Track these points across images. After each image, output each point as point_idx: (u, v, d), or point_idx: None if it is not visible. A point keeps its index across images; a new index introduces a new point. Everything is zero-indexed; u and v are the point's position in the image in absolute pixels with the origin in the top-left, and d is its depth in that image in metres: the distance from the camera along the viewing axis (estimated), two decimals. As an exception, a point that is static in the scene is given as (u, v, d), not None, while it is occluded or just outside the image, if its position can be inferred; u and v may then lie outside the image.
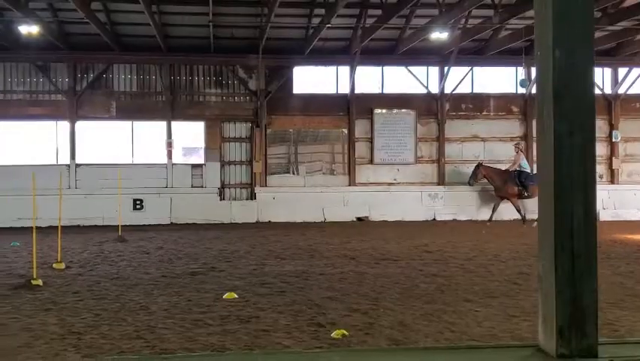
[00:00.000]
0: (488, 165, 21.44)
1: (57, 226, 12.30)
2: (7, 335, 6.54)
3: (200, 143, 22.52)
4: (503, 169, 21.10)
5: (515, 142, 21.79)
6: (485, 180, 21.20)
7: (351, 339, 6.42)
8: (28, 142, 21.54)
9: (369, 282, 9.77)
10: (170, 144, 21.91)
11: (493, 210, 20.91)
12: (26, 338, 6.39)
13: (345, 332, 6.58)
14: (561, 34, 1.95)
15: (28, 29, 18.05)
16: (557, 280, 2.01)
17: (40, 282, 9.34)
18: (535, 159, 21.61)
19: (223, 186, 22.14)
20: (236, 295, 8.52)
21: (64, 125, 21.61)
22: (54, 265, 11.15)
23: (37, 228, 10.30)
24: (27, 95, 21.62)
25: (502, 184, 20.64)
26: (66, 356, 5.79)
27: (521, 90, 22.62)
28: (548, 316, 2.03)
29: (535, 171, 20.46)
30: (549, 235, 2.03)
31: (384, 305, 8.04)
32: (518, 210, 20.70)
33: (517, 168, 20.52)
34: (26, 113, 21.46)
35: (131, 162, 21.73)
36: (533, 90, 22.49)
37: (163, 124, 21.96)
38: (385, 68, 22.91)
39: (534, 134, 22.83)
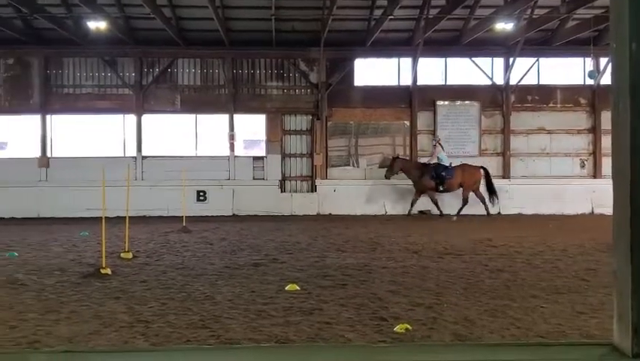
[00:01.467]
0: (405, 157, 21.25)
1: (124, 217, 12.61)
2: (79, 322, 6.73)
3: (262, 135, 22.71)
4: (421, 162, 20.79)
5: (434, 135, 21.40)
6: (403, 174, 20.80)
7: (415, 333, 6.33)
8: (96, 135, 22.17)
9: (432, 276, 9.63)
10: (232, 137, 22.19)
11: (412, 205, 20.68)
12: (97, 326, 6.56)
13: (408, 326, 6.49)
14: (638, 27, 1.84)
15: (97, 25, 18.55)
16: (633, 276, 1.90)
17: (109, 271, 9.59)
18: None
19: (284, 179, 22.29)
20: (298, 287, 8.53)
21: (131, 118, 22.17)
22: (122, 255, 11.42)
23: (105, 218, 10.58)
24: (95, 90, 22.26)
25: (419, 178, 20.21)
26: (135, 344, 5.91)
27: (589, 82, 21.88)
28: (624, 314, 1.93)
29: (453, 165, 20.41)
30: (625, 231, 1.92)
31: (448, 300, 7.90)
32: (436, 204, 20.44)
33: (435, 161, 20.11)
34: (95, 106, 22.11)
35: (194, 155, 22.13)
36: (602, 82, 21.79)
37: (225, 117, 22.26)
38: (448, 59, 22.60)
39: (603, 126, 22.17)
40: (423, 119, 22.47)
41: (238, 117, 22.38)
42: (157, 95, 22.29)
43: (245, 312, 7.20)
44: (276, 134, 22.40)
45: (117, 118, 22.30)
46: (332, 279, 9.31)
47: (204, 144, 22.52)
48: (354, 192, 21.74)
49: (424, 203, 21.78)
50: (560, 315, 7.16)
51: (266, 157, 22.39)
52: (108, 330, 6.39)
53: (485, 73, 22.64)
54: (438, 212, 20.29)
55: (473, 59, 22.49)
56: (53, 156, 22.07)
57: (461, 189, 20.28)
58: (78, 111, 22.12)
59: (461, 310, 7.33)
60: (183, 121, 22.40)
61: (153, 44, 21.76)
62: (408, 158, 21.36)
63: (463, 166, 20.67)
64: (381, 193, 21.70)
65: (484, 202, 20.42)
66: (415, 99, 22.25)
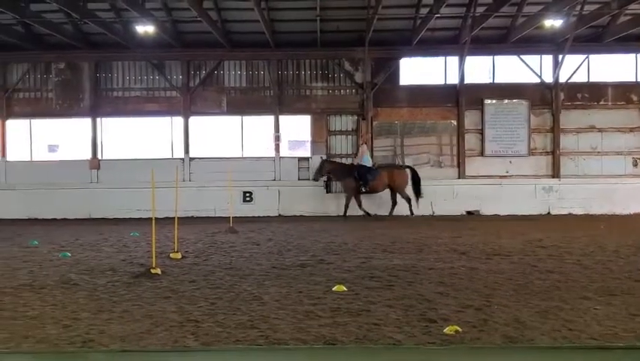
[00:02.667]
0: (333, 159, 21.00)
1: (172, 217, 12.79)
2: (131, 321, 6.84)
3: (307, 136, 22.76)
4: (347, 164, 20.66)
5: (362, 136, 20.98)
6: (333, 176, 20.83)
7: (465, 336, 6.24)
8: (145, 137, 22.57)
9: (481, 278, 9.48)
10: (277, 138, 22.31)
11: (346, 207, 20.42)
12: (148, 325, 6.66)
13: (458, 328, 6.40)
14: None
15: (145, 29, 18.88)
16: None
17: (159, 271, 9.73)
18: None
19: (329, 179, 22.28)
20: (345, 288, 8.51)
21: (178, 120, 22.51)
22: (171, 255, 11.58)
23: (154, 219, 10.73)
24: (144, 92, 22.67)
25: (343, 179, 20.03)
26: (185, 343, 5.98)
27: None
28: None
29: (376, 166, 20.06)
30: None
31: (498, 301, 7.77)
32: (346, 207, 20.20)
33: (359, 163, 19.83)
34: (143, 109, 22.53)
35: (240, 156, 22.33)
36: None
37: (271, 118, 22.40)
38: (496, 57, 22.30)
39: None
40: (470, 118, 22.22)
41: (283, 118, 22.49)
42: (204, 97, 22.57)
43: (293, 313, 7.22)
44: (321, 135, 22.43)
45: (165, 120, 22.66)
46: (379, 280, 9.25)
47: (250, 145, 22.69)
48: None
49: (471, 203, 21.57)
50: (614, 317, 6.98)
51: (311, 158, 22.43)
52: (159, 329, 6.48)
53: (534, 71, 22.25)
54: (343, 214, 20.26)
55: (521, 56, 22.12)
56: (104, 158, 22.56)
57: (394, 190, 20.36)
58: (127, 114, 22.56)
59: (511, 312, 7.21)
60: (229, 122, 22.63)
61: (200, 47, 22.04)
62: (336, 160, 21.20)
63: (389, 167, 20.68)
64: (428, 193, 21.50)
65: (409, 202, 20.30)
66: (462, 98, 22.02)
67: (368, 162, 20.06)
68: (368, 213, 20.22)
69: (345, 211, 20.34)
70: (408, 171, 20.52)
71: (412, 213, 20.33)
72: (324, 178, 20.95)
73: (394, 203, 20.38)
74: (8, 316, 7.14)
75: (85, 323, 6.78)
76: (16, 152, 22.77)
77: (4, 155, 22.66)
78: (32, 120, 22.76)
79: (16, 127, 22.82)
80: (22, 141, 22.82)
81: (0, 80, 22.66)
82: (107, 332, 6.39)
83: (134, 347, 5.80)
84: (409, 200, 20.33)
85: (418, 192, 20.37)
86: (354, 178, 19.87)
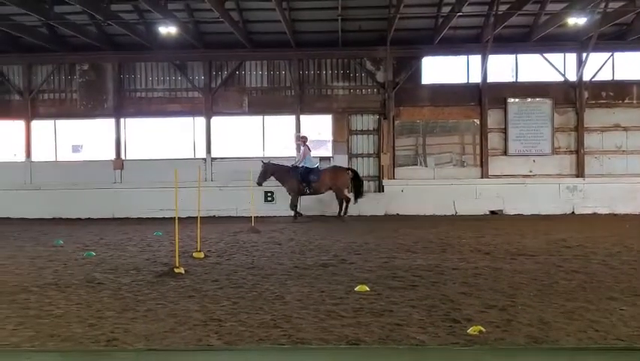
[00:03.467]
0: (276, 162, 20.26)
1: (195, 217, 12.85)
2: (155, 320, 6.88)
3: (328, 136, 22.76)
4: (290, 166, 19.95)
5: (302, 136, 20.26)
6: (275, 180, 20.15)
7: (489, 336, 6.17)
8: (168, 137, 22.73)
9: (505, 278, 9.40)
10: (298, 138, 22.30)
11: (294, 209, 19.87)
12: (172, 324, 6.69)
13: (482, 328, 6.35)
14: None
15: (167, 30, 19.01)
16: None
17: (182, 270, 9.78)
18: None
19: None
20: (367, 288, 8.47)
21: (200, 120, 22.64)
22: (194, 254, 11.64)
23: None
24: (166, 93, 22.84)
25: (287, 181, 19.62)
26: (208, 342, 6.00)
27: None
28: None
29: (320, 167, 19.51)
30: None
31: (523, 302, 7.69)
32: (294, 208, 19.78)
33: (302, 164, 19.30)
34: (166, 109, 22.70)
35: (262, 156, 22.35)
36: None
37: (292, 118, 22.45)
38: (519, 55, 22.14)
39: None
40: (493, 117, 22.07)
41: (304, 118, 22.51)
42: (225, 97, 22.68)
43: (315, 312, 7.20)
44: (342, 135, 22.42)
45: (187, 121, 22.80)
46: (402, 280, 9.21)
47: (271, 145, 22.74)
48: (423, 191, 21.53)
49: (494, 203, 21.41)
50: (641, 318, 6.88)
51: (332, 157, 22.42)
52: (183, 328, 6.51)
53: (557, 69, 22.03)
54: (293, 215, 19.77)
55: (544, 55, 21.93)
56: (127, 158, 22.75)
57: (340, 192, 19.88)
58: (150, 114, 22.75)
59: (536, 313, 7.13)
60: (251, 122, 22.71)
61: (221, 47, 22.15)
62: (278, 163, 20.31)
63: (332, 168, 20.27)
64: (451, 193, 21.40)
65: (347, 204, 19.85)
66: (484, 97, 21.88)
67: (311, 163, 19.60)
68: (298, 214, 19.79)
69: (295, 214, 19.83)
70: (349, 172, 20.02)
71: (343, 214, 19.74)
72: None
73: (346, 201, 19.90)
74: (34, 314, 7.22)
75: (109, 321, 6.83)
76: (41, 152, 23.06)
77: (29, 155, 22.96)
78: (57, 121, 23.05)
79: (41, 128, 23.11)
80: (47, 141, 23.11)
81: (25, 82, 22.96)
82: (131, 330, 6.42)
83: (158, 346, 5.83)
84: (347, 201, 19.85)
85: (358, 194, 19.87)
86: (297, 180, 19.44)
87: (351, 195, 20.05)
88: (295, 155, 22.31)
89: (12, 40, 21.76)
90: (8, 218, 21.37)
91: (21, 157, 23.22)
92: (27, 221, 20.58)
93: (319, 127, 23.16)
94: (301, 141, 20.03)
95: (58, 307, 7.56)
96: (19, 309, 7.48)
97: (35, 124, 23.09)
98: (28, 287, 8.87)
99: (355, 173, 20.17)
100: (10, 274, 10.04)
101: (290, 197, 19.91)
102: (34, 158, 23.01)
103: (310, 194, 19.78)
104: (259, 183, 19.77)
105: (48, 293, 8.44)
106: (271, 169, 19.81)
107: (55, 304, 7.77)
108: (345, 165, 21.25)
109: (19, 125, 23.12)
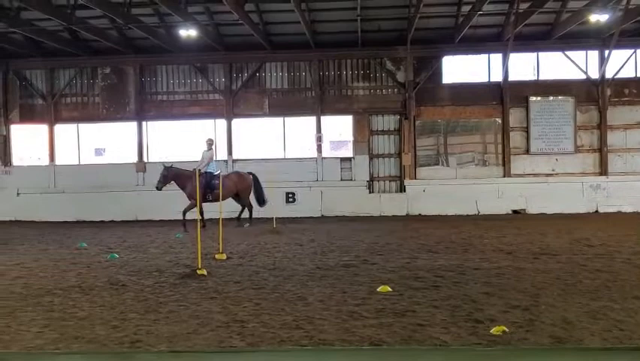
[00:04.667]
0: (178, 166, 18.62)
1: (216, 218, 12.89)
2: (178, 322, 6.91)
3: (349, 136, 22.75)
4: (192, 171, 17.67)
5: (209, 138, 19.06)
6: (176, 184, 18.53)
7: (512, 336, 6.13)
8: (189, 139, 22.84)
9: (528, 277, 9.32)
10: (319, 139, 22.34)
11: (201, 215, 17.27)
12: (194, 325, 6.72)
13: (505, 328, 6.30)
14: None
15: (188, 33, 19.08)
16: None
17: (204, 272, 9.82)
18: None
19: (372, 179, 22.24)
20: (390, 289, 8.45)
21: (221, 122, 22.74)
22: (216, 256, 11.69)
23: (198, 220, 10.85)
24: (187, 96, 22.97)
25: (188, 186, 17.99)
26: (231, 343, 6.01)
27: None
28: None
29: (222, 173, 18.39)
30: None
31: (546, 301, 7.62)
32: (184, 213, 17.89)
33: (205, 169, 17.93)
34: (187, 112, 22.84)
35: (283, 157, 22.42)
36: None
37: (312, 119, 22.45)
38: (540, 53, 21.94)
39: None
40: (515, 115, 21.90)
41: (325, 119, 22.52)
42: (246, 99, 22.75)
43: (337, 313, 7.19)
44: (363, 135, 22.38)
45: (208, 123, 22.90)
46: (424, 280, 9.17)
47: (292, 146, 22.78)
48: (445, 191, 21.42)
49: (517, 202, 21.25)
50: (667, 317, 6.78)
51: (353, 158, 22.39)
52: (205, 330, 6.53)
53: (579, 67, 21.80)
54: (202, 223, 17.41)
55: (566, 52, 21.72)
56: (149, 160, 22.91)
57: (239, 197, 18.86)
58: (171, 117, 22.89)
59: (559, 312, 7.07)
60: (271, 124, 22.76)
61: (241, 50, 22.23)
62: (180, 168, 18.56)
63: (234, 174, 19.24)
64: (473, 192, 21.26)
65: (242, 210, 18.91)
66: (506, 96, 21.72)
67: (213, 168, 18.45)
68: (185, 226, 17.51)
69: (185, 220, 17.80)
70: (251, 177, 19.06)
71: (238, 218, 18.72)
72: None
73: (249, 207, 19.01)
74: (58, 317, 7.29)
75: (133, 323, 6.88)
76: (64, 156, 23.31)
77: (52, 159, 23.22)
78: (79, 124, 23.28)
79: (64, 131, 23.37)
80: (70, 145, 23.36)
81: (48, 86, 23.24)
82: (154, 332, 6.46)
83: (181, 348, 5.85)
84: (250, 207, 18.97)
85: (260, 200, 18.92)
86: (200, 186, 17.34)
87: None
88: (316, 156, 22.34)
89: (35, 44, 22.03)
90: (33, 221, 21.63)
91: (45, 161, 23.50)
92: (51, 224, 20.80)
93: (340, 128, 23.16)
94: (209, 144, 18.62)
95: (82, 310, 7.63)
96: (43, 311, 7.56)
97: (58, 128, 23.35)
98: (52, 290, 8.97)
99: (256, 178, 19.06)
100: (35, 277, 10.16)
101: (188, 203, 18.10)
102: (58, 161, 23.27)
103: (212, 201, 17.83)
104: (158, 188, 18.17)
105: (72, 295, 8.52)
106: (172, 174, 18.17)
107: (79, 306, 7.84)
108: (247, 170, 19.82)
109: (42, 129, 23.40)
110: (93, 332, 6.55)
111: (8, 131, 23.42)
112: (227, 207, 17.70)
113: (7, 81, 23.21)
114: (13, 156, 23.66)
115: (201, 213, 17.33)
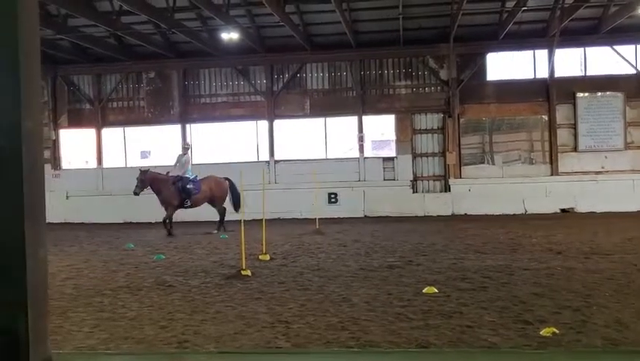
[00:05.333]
0: (155, 170, 17.88)
1: (259, 219, 12.96)
2: (224, 322, 6.95)
3: (391, 136, 22.62)
4: (169, 176, 17.48)
5: (185, 143, 18.21)
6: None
7: (562, 338, 5.99)
8: (231, 141, 23.04)
9: (578, 278, 9.11)
10: (361, 138, 22.27)
11: (168, 222, 17.38)
12: (240, 326, 6.75)
13: (555, 329, 6.17)
14: None
15: (229, 36, 19.27)
16: None
17: (249, 272, 9.88)
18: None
19: (415, 179, 22.06)
20: (436, 290, 8.35)
21: (263, 124, 22.86)
22: (260, 257, 11.75)
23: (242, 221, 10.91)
24: (230, 98, 23.17)
25: (165, 192, 17.16)
26: (277, 344, 6.01)
27: None
28: None
29: (198, 177, 17.46)
30: None
31: (598, 302, 7.44)
32: (166, 221, 17.31)
33: (181, 174, 17.23)
34: (229, 114, 23.04)
35: (324, 157, 22.41)
36: None
37: (354, 119, 22.39)
38: (587, 48, 21.46)
39: None
40: (562, 112, 21.46)
41: (367, 118, 22.44)
42: (287, 100, 22.83)
43: (383, 315, 7.14)
44: (406, 134, 22.22)
45: (250, 124, 23.05)
46: (471, 281, 9.03)
47: (334, 146, 22.76)
48: (491, 190, 21.08)
49: (565, 201, 20.80)
50: None
51: (396, 157, 22.25)
52: (251, 330, 6.55)
53: (628, 61, 21.26)
54: (167, 232, 17.26)
55: (614, 47, 21.17)
56: (193, 163, 23.13)
57: (213, 203, 18.11)
58: (214, 120, 23.13)
59: (612, 313, 6.89)
60: (313, 125, 22.78)
61: (282, 51, 22.31)
62: (158, 172, 17.84)
63: (210, 178, 18.30)
64: (519, 191, 20.89)
65: (223, 216, 18.04)
66: (552, 92, 21.30)
67: (190, 173, 17.64)
68: (170, 232, 17.27)
69: (169, 227, 17.35)
70: (227, 183, 18.29)
71: (220, 228, 17.79)
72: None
73: (222, 214, 18.17)
74: (108, 317, 7.40)
75: (180, 323, 6.94)
76: (111, 159, 23.77)
77: (100, 162, 23.70)
78: (126, 128, 23.70)
79: (110, 135, 23.82)
80: (116, 148, 23.80)
81: (95, 91, 23.73)
82: (201, 332, 6.51)
83: (229, 349, 5.87)
84: (223, 213, 18.10)
85: (237, 206, 17.66)
86: (177, 191, 17.24)
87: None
88: (358, 156, 22.27)
89: (82, 51, 22.51)
90: (82, 223, 22.09)
91: (93, 164, 24.00)
92: (99, 225, 21.20)
93: (382, 127, 23.05)
94: (184, 149, 18.08)
95: (131, 310, 7.74)
96: (94, 312, 7.70)
97: (105, 132, 23.83)
98: (102, 290, 9.13)
99: (232, 183, 18.22)
100: (85, 278, 10.36)
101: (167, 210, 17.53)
102: (105, 164, 23.73)
103: (190, 207, 17.51)
104: (136, 193, 17.45)
105: (121, 296, 8.66)
106: (148, 178, 17.32)
107: (128, 306, 7.96)
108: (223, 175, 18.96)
109: (90, 133, 23.90)
110: (142, 332, 6.63)
111: (57, 135, 24.00)
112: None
113: (56, 87, 23.78)
114: (62, 159, 24.23)
115: (167, 220, 17.42)
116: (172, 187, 17.29)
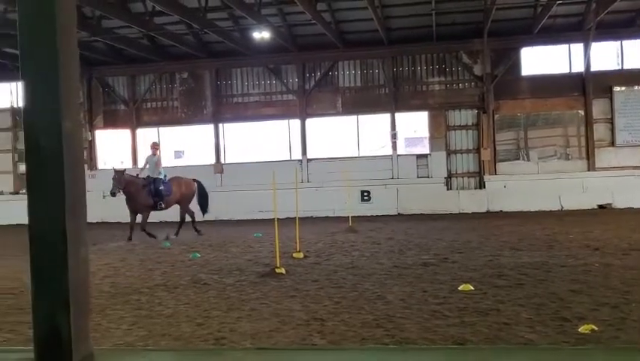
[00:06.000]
0: (130, 172, 17.10)
1: (293, 218, 13.00)
2: (260, 320, 6.98)
3: (424, 133, 22.49)
4: (141, 177, 16.60)
5: (153, 142, 17.51)
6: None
7: (601, 335, 5.89)
8: (264, 140, 23.15)
9: (617, 274, 8.95)
10: (394, 136, 22.18)
11: (131, 229, 16.36)
12: (276, 323, 6.77)
13: (594, 326, 6.06)
14: None
15: (261, 35, 19.36)
16: None
17: (283, 270, 9.90)
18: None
19: (450, 176, 21.90)
20: (472, 287, 8.27)
21: (295, 122, 22.92)
22: (294, 255, 11.77)
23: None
24: (262, 97, 23.29)
25: (137, 194, 16.19)
26: (312, 341, 6.02)
27: None
28: None
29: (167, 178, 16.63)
30: None
31: (637, 299, 7.29)
32: (133, 226, 16.41)
33: (154, 175, 16.43)
34: (261, 113, 23.15)
35: (357, 155, 22.38)
36: None
37: (387, 116, 22.32)
38: (624, 42, 21.04)
39: None
40: (598, 107, 21.09)
41: (399, 115, 22.35)
42: (319, 98, 22.85)
43: (418, 312, 7.09)
44: (439, 131, 22.06)
45: (282, 123, 23.14)
46: (508, 278, 8.93)
47: (366, 144, 22.71)
48: (526, 187, 20.82)
49: (602, 196, 20.42)
50: None
51: (430, 154, 22.11)
52: (287, 327, 6.57)
53: (668, 53, 20.79)
54: (129, 235, 16.30)
55: (653, 39, 20.74)
56: (226, 162, 23.34)
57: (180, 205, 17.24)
58: (247, 119, 23.26)
59: (652, 310, 6.75)
60: (345, 122, 22.76)
61: (314, 49, 22.33)
62: (130, 174, 16.81)
63: (178, 179, 17.44)
64: (555, 187, 20.58)
65: (193, 218, 17.29)
66: (588, 86, 20.94)
67: (162, 173, 16.81)
68: (152, 235, 16.23)
69: (148, 233, 16.22)
70: (195, 185, 17.66)
71: (198, 231, 17.19)
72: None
73: (183, 218, 17.38)
74: (146, 315, 7.50)
75: (216, 321, 6.99)
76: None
77: (135, 162, 23.99)
78: (160, 128, 23.98)
79: (145, 135, 24.11)
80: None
81: (129, 92, 24.06)
82: (237, 329, 6.55)
83: (266, 345, 5.90)
84: (193, 215, 17.36)
85: (204, 208, 17.52)
86: (149, 194, 16.39)
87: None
88: (390, 153, 22.16)
89: (116, 52, 22.84)
90: (118, 222, 22.37)
91: (128, 164, 24.29)
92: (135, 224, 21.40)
93: (415, 124, 22.93)
94: (154, 148, 17.28)
95: (168, 307, 7.83)
96: (131, 310, 7.80)
97: (140, 132, 24.14)
98: (139, 288, 9.25)
99: (200, 185, 17.75)
100: (122, 276, 10.51)
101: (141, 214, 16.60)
102: (140, 164, 23.98)
103: (163, 209, 16.73)
104: (113, 194, 16.55)
105: (158, 294, 8.76)
106: (123, 179, 16.28)
107: (165, 304, 8.05)
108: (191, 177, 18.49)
109: (125, 133, 24.24)
110: (179, 329, 6.69)
111: (93, 136, 24.40)
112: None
113: (92, 88, 24.18)
114: (98, 160, 24.61)
115: (132, 226, 16.60)
116: (144, 190, 16.40)
